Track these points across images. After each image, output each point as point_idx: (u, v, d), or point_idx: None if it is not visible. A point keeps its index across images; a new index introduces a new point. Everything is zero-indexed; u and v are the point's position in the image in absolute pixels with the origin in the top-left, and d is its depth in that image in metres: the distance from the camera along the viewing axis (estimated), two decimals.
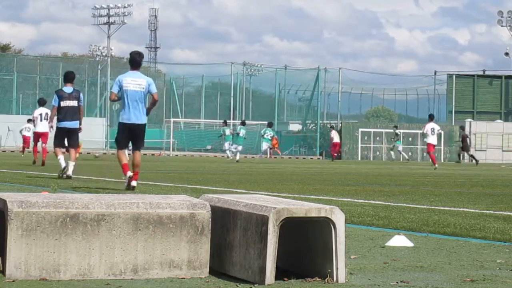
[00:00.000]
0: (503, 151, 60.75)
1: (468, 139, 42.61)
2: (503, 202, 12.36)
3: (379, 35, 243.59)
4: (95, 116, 69.76)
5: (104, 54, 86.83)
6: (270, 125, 44.20)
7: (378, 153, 57.64)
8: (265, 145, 43.68)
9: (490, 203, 12.15)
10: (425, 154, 58.40)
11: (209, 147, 67.62)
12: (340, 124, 58.90)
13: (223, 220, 5.35)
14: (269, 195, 10.48)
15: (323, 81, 68.38)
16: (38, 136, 26.45)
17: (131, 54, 13.71)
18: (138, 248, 5.11)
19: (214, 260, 5.36)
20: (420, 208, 10.72)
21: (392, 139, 53.51)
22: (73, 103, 17.31)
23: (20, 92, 71.37)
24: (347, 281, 5.08)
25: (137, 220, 5.12)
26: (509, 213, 10.20)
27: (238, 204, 5.27)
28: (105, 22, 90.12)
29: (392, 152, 53.87)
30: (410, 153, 58.03)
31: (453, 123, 64.19)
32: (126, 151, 14.34)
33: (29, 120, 36.41)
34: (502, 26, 76.63)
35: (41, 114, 25.94)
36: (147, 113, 13.78)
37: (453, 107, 67.68)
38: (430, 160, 33.41)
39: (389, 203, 11.56)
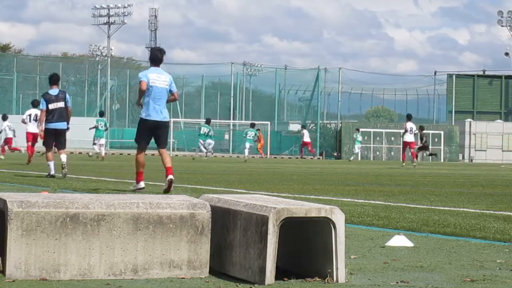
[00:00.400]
0: (503, 151, 60.78)
1: (424, 138, 43.56)
2: (503, 202, 12.37)
3: (378, 35, 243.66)
4: (95, 116, 69.65)
5: (104, 54, 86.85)
6: (252, 125, 46.38)
7: (378, 153, 57.66)
8: (247, 145, 44.89)
9: (490, 203, 12.16)
10: (424, 154, 58.52)
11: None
12: (340, 124, 58.91)
13: (223, 220, 5.36)
14: (269, 195, 10.48)
15: (323, 81, 68.33)
16: (31, 135, 27.23)
17: (152, 50, 13.34)
18: (138, 248, 5.11)
19: (214, 260, 5.36)
20: (420, 208, 10.73)
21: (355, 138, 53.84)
22: (61, 104, 17.60)
23: (20, 92, 71.38)
24: (347, 281, 5.08)
25: (137, 220, 5.12)
26: (509, 213, 10.21)
27: (238, 204, 5.27)
28: (105, 22, 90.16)
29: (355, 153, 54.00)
30: (410, 153, 57.98)
31: (453, 123, 64.21)
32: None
33: (4, 117, 37.65)
34: (502, 26, 76.68)
35: (30, 115, 27.40)
36: None
37: (453, 107, 67.68)
38: (401, 158, 35.47)
39: (389, 203, 11.56)
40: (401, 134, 36.84)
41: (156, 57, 13.08)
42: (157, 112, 12.98)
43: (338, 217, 5.00)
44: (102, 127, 36.36)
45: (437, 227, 8.32)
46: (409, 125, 34.42)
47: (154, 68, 13.12)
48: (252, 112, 75.38)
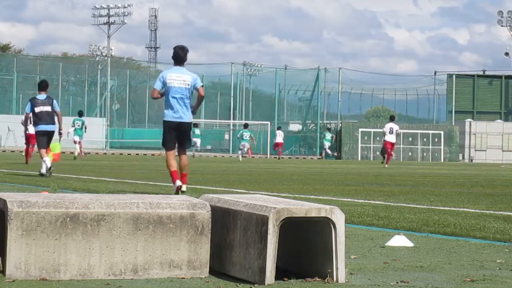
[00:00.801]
0: (503, 151, 60.76)
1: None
2: (503, 202, 12.37)
3: (378, 35, 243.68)
4: (95, 116, 69.68)
5: (104, 54, 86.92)
6: (246, 126, 48.00)
7: (378, 153, 57.59)
8: (245, 145, 46.29)
9: (490, 203, 12.16)
10: (424, 154, 58.53)
11: (209, 147, 67.62)
12: (340, 124, 58.91)
13: (223, 220, 5.35)
14: (269, 195, 10.48)
15: (323, 81, 68.31)
16: (31, 137, 27.71)
17: (175, 49, 12.64)
18: (138, 248, 5.11)
19: (214, 260, 5.36)
20: (420, 208, 10.73)
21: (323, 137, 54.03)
22: (47, 108, 18.28)
23: (20, 92, 71.31)
24: (347, 281, 5.08)
25: (137, 220, 5.12)
26: (509, 213, 10.21)
27: (238, 204, 5.27)
28: (105, 22, 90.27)
29: (327, 152, 54.04)
30: (410, 153, 58.07)
31: (453, 123, 64.20)
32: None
33: None
34: (502, 26, 76.71)
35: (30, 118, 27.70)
36: (193, 112, 12.78)
37: (453, 107, 67.67)
38: (384, 157, 35.49)
39: (389, 203, 11.56)
40: (383, 134, 37.09)
41: (178, 56, 12.58)
42: (176, 112, 12.53)
43: (338, 217, 5.00)
44: (79, 126, 37.28)
45: (437, 227, 8.32)
46: (389, 125, 34.68)
47: (177, 67, 12.62)
48: (252, 112, 75.37)
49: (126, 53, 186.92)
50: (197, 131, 47.54)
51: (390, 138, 34.47)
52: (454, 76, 69.54)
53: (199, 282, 5.05)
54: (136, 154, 51.18)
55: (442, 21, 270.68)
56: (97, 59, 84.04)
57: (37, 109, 18.22)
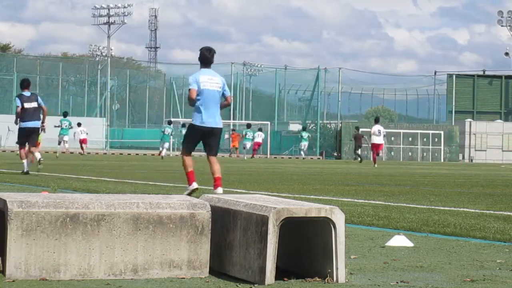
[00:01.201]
0: (503, 151, 60.74)
1: (362, 139, 44.87)
2: (503, 202, 12.37)
3: (378, 35, 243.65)
4: (95, 116, 69.70)
5: (104, 54, 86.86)
6: (248, 126, 50.01)
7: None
8: (248, 144, 48.38)
9: (490, 203, 12.16)
10: (424, 154, 58.52)
11: None
12: (340, 124, 58.90)
13: (223, 220, 5.35)
14: (269, 195, 10.48)
15: (323, 81, 68.31)
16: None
17: (201, 50, 12.11)
18: (138, 248, 5.11)
19: (214, 260, 5.36)
20: (420, 208, 10.73)
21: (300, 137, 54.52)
22: (34, 104, 18.73)
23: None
24: (347, 281, 5.08)
25: (137, 220, 5.12)
26: (509, 213, 10.21)
27: (238, 204, 5.27)
28: (105, 22, 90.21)
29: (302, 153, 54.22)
30: (410, 153, 58.07)
31: (453, 123, 64.20)
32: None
33: None
34: (502, 26, 76.69)
35: None
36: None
37: (453, 107, 67.66)
38: (360, 157, 37.02)
39: (389, 203, 11.56)
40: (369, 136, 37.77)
41: (205, 57, 12.05)
42: (211, 117, 12.01)
43: (338, 217, 5.00)
44: (66, 126, 38.23)
45: (437, 227, 8.32)
46: (377, 127, 35.35)
47: (205, 69, 12.06)
48: (252, 112, 75.36)
49: (126, 53, 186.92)
50: (184, 131, 48.13)
51: (378, 139, 35.27)
52: (454, 76, 69.55)
53: (199, 282, 5.05)
54: (136, 154, 51.19)
55: (442, 21, 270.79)
56: (97, 59, 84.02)
57: (26, 105, 18.60)
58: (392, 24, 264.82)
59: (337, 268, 4.99)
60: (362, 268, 5.72)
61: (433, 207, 11.02)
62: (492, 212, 10.41)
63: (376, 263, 5.99)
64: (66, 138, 39.17)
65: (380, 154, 35.74)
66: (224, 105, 12.41)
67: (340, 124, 58.97)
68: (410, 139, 58.26)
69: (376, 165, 34.59)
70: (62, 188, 13.15)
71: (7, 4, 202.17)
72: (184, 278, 5.14)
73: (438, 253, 6.62)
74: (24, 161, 18.57)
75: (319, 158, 55.70)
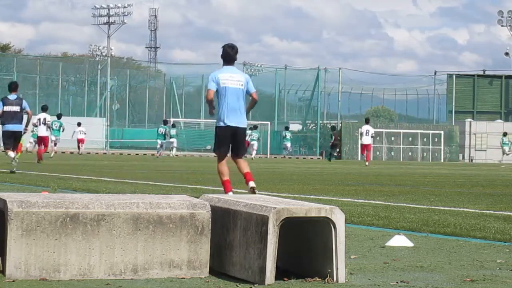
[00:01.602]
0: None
1: (339, 139, 45.50)
2: (503, 202, 12.37)
3: (378, 35, 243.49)
4: (95, 116, 69.69)
5: (104, 54, 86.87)
6: (255, 127, 50.73)
7: (378, 153, 57.60)
8: (255, 144, 49.35)
9: (490, 203, 12.16)
10: (424, 154, 58.51)
11: (209, 147, 67.57)
12: (340, 124, 58.89)
13: (223, 220, 5.35)
14: (269, 195, 10.48)
15: (323, 81, 68.35)
16: (40, 140, 30.42)
17: (224, 47, 11.71)
18: (138, 248, 5.11)
19: (214, 260, 5.36)
20: (420, 208, 10.73)
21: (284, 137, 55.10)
22: (16, 108, 19.15)
23: (20, 92, 71.33)
24: (347, 281, 5.08)
25: (137, 220, 5.12)
26: (509, 213, 10.21)
27: (238, 204, 5.27)
28: (105, 22, 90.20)
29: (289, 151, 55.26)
30: (410, 153, 58.06)
31: (453, 123, 64.21)
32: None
33: None
34: (502, 26, 76.71)
35: (39, 119, 30.74)
36: (246, 114, 11.90)
37: (453, 107, 67.67)
38: (365, 158, 36.92)
39: (389, 203, 11.56)
40: (359, 136, 38.44)
41: (228, 55, 11.65)
42: (233, 117, 11.61)
43: (338, 217, 5.00)
44: (56, 127, 39.08)
45: (437, 227, 8.32)
46: (365, 128, 36.09)
47: (227, 67, 11.69)
48: (252, 112, 75.32)
49: (126, 53, 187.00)
50: (173, 131, 49.38)
51: (365, 140, 36.13)
52: (454, 76, 69.56)
53: (199, 282, 5.05)
54: (136, 154, 51.19)
55: (441, 21, 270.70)
56: (97, 59, 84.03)
57: (6, 108, 18.98)
58: (392, 24, 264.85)
59: (337, 268, 4.99)
60: (362, 268, 5.72)
61: (433, 207, 11.02)
62: (492, 212, 10.41)
63: (376, 263, 5.99)
64: (53, 137, 39.61)
65: (365, 153, 36.08)
66: (252, 103, 12.04)
67: (340, 124, 58.96)
68: (410, 139, 58.25)
69: (367, 163, 34.88)
70: (62, 188, 13.15)
71: (7, 4, 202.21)
72: (184, 278, 5.14)
73: (438, 253, 6.62)
74: (10, 152, 19.00)
75: (319, 158, 55.71)
